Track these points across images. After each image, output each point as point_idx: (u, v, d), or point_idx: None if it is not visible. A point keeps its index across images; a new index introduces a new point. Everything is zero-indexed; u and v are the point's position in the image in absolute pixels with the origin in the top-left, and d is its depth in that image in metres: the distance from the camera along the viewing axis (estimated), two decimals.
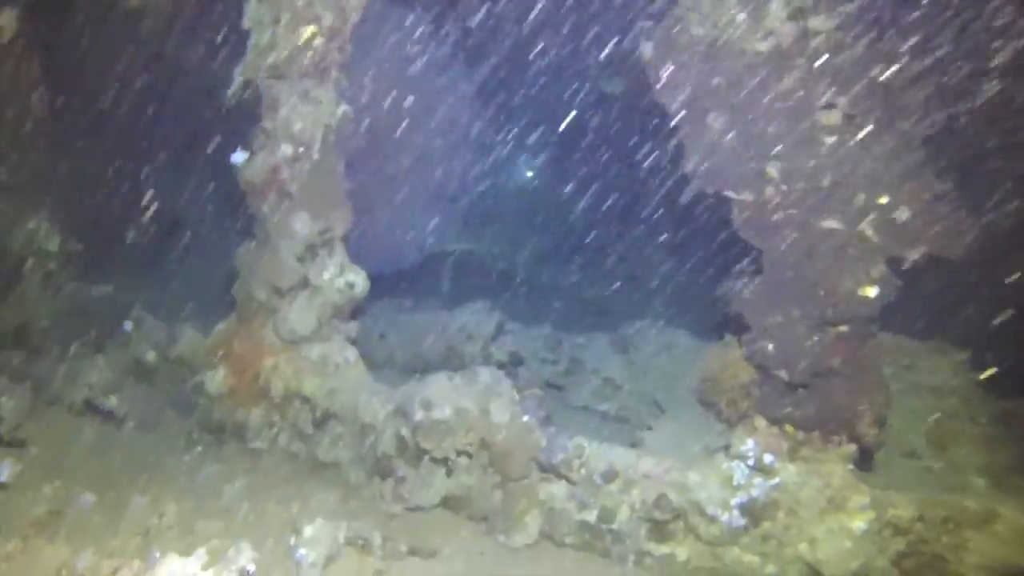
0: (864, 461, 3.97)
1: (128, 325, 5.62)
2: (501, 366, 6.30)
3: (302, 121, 4.61)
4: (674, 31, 3.94)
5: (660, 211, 7.42)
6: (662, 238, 7.57)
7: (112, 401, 5.36)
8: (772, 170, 3.74)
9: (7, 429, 4.87)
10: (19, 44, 6.35)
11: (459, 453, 4.41)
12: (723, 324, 6.88)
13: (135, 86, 6.95)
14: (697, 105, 3.95)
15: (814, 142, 3.66)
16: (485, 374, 4.81)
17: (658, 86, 4.11)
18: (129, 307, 5.71)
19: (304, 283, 4.98)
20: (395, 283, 6.65)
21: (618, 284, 8.03)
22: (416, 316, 6.62)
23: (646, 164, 6.73)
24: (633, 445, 5.11)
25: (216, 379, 5.30)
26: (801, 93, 3.61)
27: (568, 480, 4.41)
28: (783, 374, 3.89)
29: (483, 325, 6.14)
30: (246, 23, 4.79)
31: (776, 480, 3.95)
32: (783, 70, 3.65)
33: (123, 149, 7.48)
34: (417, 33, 4.99)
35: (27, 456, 4.81)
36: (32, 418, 5.18)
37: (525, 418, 4.51)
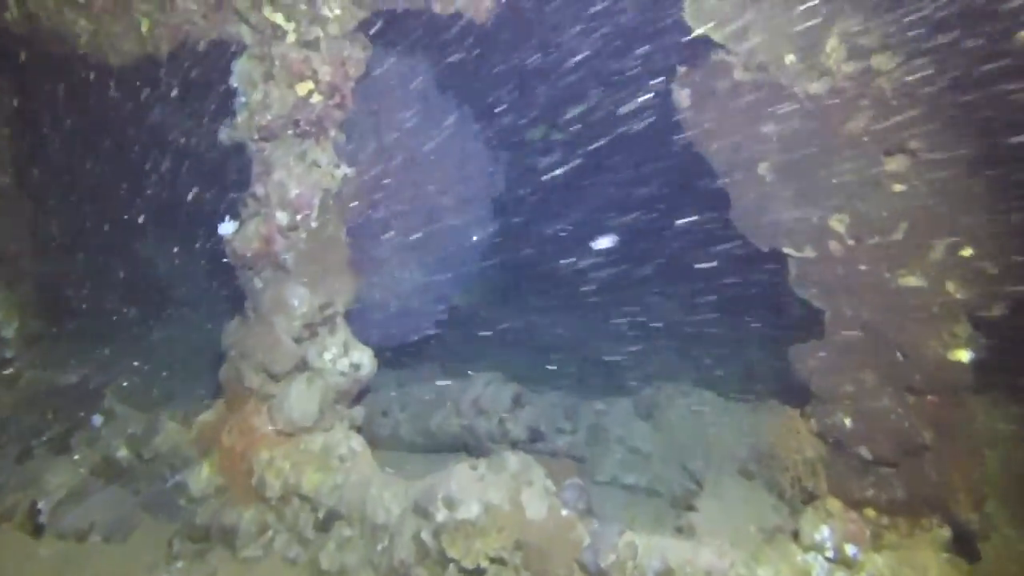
0: (966, 547, 3.46)
1: (97, 419, 4.95)
2: (520, 444, 5.75)
3: (298, 185, 4.13)
4: (714, 75, 3.59)
5: (682, 265, 7.05)
6: (684, 294, 7.16)
7: (43, 510, 4.61)
8: (837, 223, 3.34)
9: None
10: None
11: (491, 560, 3.80)
12: (749, 384, 6.48)
13: (112, 150, 6.48)
14: (744, 154, 3.58)
15: (882, 189, 3.29)
16: (513, 460, 4.25)
17: (696, 134, 3.74)
18: (99, 397, 5.07)
19: (303, 365, 4.42)
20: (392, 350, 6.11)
21: (635, 343, 7.55)
22: (421, 388, 6.03)
23: (663, 215, 6.40)
24: (679, 530, 4.55)
25: (201, 477, 4.65)
26: (866, 138, 3.25)
27: None
28: (864, 451, 3.40)
29: (498, 398, 5.59)
30: (234, 81, 4.36)
31: None
32: (843, 112, 3.30)
33: (98, 217, 6.95)
34: (418, 85, 4.62)
35: None
36: None
37: (564, 512, 3.94)
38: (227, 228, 4.21)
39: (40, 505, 4.84)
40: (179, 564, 4.57)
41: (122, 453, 4.77)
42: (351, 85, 4.18)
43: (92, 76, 5.18)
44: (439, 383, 6.18)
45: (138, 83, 5.19)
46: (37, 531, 4.77)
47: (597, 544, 3.86)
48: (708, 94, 3.65)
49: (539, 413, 6.13)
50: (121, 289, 7.38)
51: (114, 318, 7.06)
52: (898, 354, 3.31)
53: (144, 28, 4.70)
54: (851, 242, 3.31)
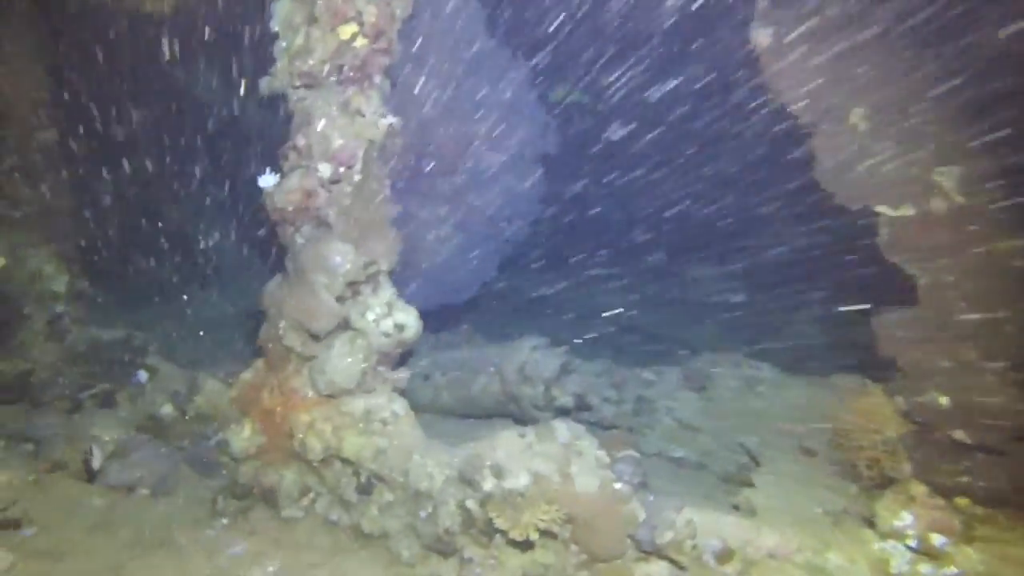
0: None
1: (142, 375, 4.91)
2: (565, 411, 5.54)
3: (342, 136, 3.90)
4: (802, 11, 3.19)
5: (736, 228, 6.66)
6: (735, 260, 6.77)
7: (97, 457, 4.61)
8: (943, 178, 2.95)
9: None
10: (27, 71, 5.77)
11: (540, 533, 3.62)
12: (803, 357, 6.12)
13: (150, 110, 6.36)
14: (833, 101, 3.19)
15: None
16: (562, 429, 4.04)
17: (777, 79, 3.36)
18: (143, 353, 5.02)
19: (344, 325, 4.25)
20: (433, 314, 5.92)
21: (681, 312, 7.23)
22: (464, 353, 5.85)
23: (716, 174, 5.99)
24: (736, 508, 4.29)
25: (242, 436, 4.57)
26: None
27: (674, 562, 3.60)
28: (962, 435, 3.07)
29: (545, 365, 5.36)
30: (274, 26, 4.12)
31: (953, 570, 3.12)
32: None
33: (138, 177, 6.89)
34: (474, 31, 4.29)
35: (20, 541, 4.08)
36: (31, 490, 4.48)
37: (618, 485, 3.72)
38: (267, 181, 4.02)
39: (92, 456, 4.85)
40: (223, 521, 4.54)
41: (166, 410, 4.73)
42: (397, 27, 3.89)
43: (129, 27, 5.02)
44: (477, 348, 5.99)
45: (175, 34, 4.99)
46: (90, 480, 4.80)
47: (653, 520, 3.64)
48: (794, 32, 3.26)
49: (586, 382, 5.91)
50: (160, 250, 7.36)
51: (153, 279, 7.04)
52: (1008, 327, 2.95)
53: None
54: (960, 198, 2.92)
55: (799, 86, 3.30)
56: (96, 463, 4.86)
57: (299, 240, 4.22)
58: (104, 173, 6.56)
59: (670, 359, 6.68)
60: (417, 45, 4.16)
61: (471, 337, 6.35)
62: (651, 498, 3.73)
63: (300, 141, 3.98)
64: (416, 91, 4.22)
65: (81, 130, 6.30)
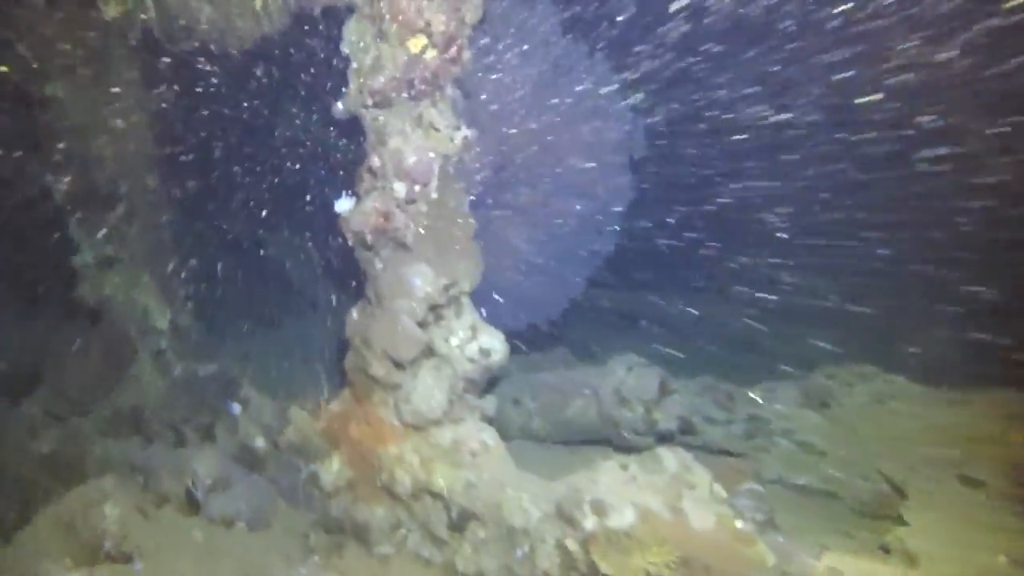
0: None
1: (236, 407, 4.93)
2: (668, 436, 5.07)
3: (415, 152, 3.72)
4: None
5: (842, 233, 5.97)
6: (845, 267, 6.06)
7: (199, 489, 4.64)
8: None
9: (112, 544, 4.23)
10: (135, 120, 6.10)
11: None
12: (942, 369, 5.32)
13: (238, 143, 6.57)
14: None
15: None
16: (670, 458, 3.61)
17: None
18: (237, 385, 5.06)
19: (428, 352, 4.04)
20: (521, 334, 5.63)
21: (789, 323, 6.55)
22: (555, 375, 5.52)
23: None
24: (886, 551, 3.67)
25: (331, 470, 4.45)
26: None
27: None
28: None
29: (643, 386, 4.94)
30: (345, 48, 4.03)
31: None
32: None
33: (228, 214, 7.13)
34: (550, 31, 4.04)
35: (131, 575, 4.14)
36: (141, 523, 4.56)
37: (739, 523, 3.24)
38: (344, 205, 3.91)
39: (195, 489, 4.91)
40: (315, 558, 4.41)
41: (259, 442, 4.70)
42: (468, 32, 3.69)
43: (215, 67, 5.16)
44: (571, 370, 5.64)
45: (257, 67, 5.07)
46: (194, 512, 4.86)
47: (785, 566, 3.13)
48: None
49: (688, 402, 5.41)
50: (257, 283, 7.56)
51: (251, 311, 7.22)
52: None
53: (258, 4, 4.52)
54: None
55: None
56: (199, 496, 4.90)
57: (378, 264, 4.08)
58: (204, 211, 6.82)
59: (780, 375, 6.04)
60: (490, 50, 3.96)
61: (562, 357, 6.01)
62: (781, 539, 3.22)
63: (374, 161, 3.84)
64: (491, 98, 4.01)
65: (180, 172, 6.58)
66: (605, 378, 5.13)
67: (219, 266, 7.10)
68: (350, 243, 4.02)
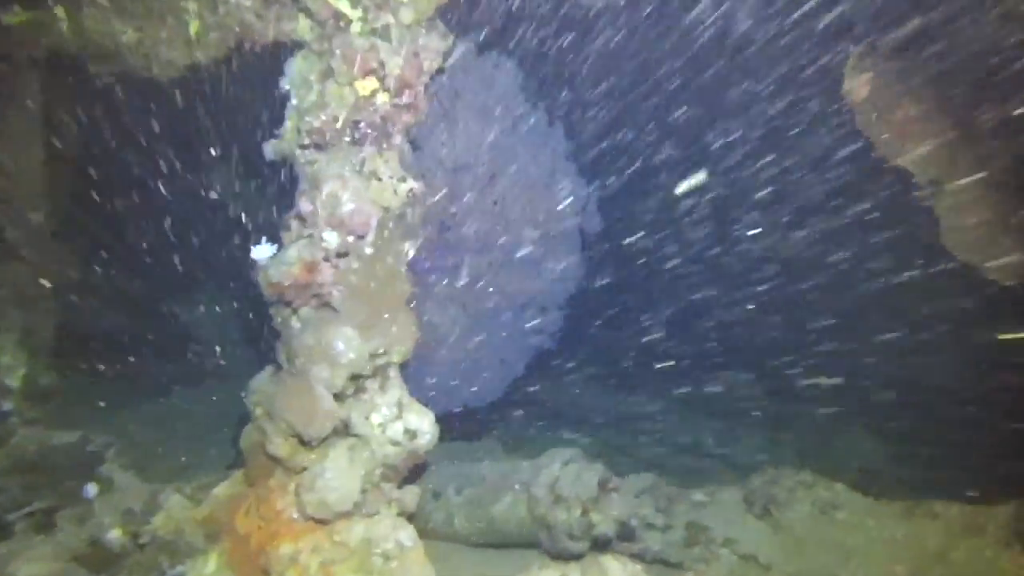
0: None
1: (90, 488, 4.04)
2: (605, 542, 4.57)
3: (353, 200, 3.31)
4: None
5: (779, 329, 5.91)
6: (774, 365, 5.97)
7: None
8: None
9: None
10: (26, 149, 5.41)
11: None
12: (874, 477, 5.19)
13: (152, 189, 5.94)
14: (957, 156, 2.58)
15: None
16: (616, 569, 3.13)
17: (877, 136, 2.78)
18: (98, 461, 4.18)
19: (344, 430, 3.46)
20: (451, 418, 5.08)
21: (727, 421, 6.35)
22: (484, 467, 4.95)
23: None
24: None
25: (205, 572, 3.64)
26: None
27: None
28: None
29: (581, 482, 4.46)
30: (286, 84, 3.67)
31: None
32: None
33: (130, 262, 6.37)
34: (512, 93, 3.83)
35: None
36: None
37: None
38: (262, 252, 3.39)
39: None
40: None
41: (114, 535, 3.81)
42: (425, 80, 3.41)
43: (133, 97, 4.65)
44: (502, 463, 5.09)
45: (181, 100, 4.59)
46: None
47: None
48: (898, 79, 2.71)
49: (627, 503, 4.95)
50: (147, 342, 6.71)
51: (135, 373, 6.32)
52: None
53: (192, 31, 4.12)
54: None
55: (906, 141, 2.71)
56: None
57: (295, 324, 3.53)
58: (96, 256, 6.03)
59: (722, 477, 5.74)
60: (447, 103, 3.70)
61: (493, 450, 5.47)
62: None
63: (304, 207, 3.38)
64: (443, 155, 3.70)
65: (75, 211, 5.84)
66: (539, 472, 4.62)
67: (103, 319, 6.24)
68: (265, 297, 3.47)
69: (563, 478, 4.54)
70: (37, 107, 5.33)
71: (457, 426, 5.25)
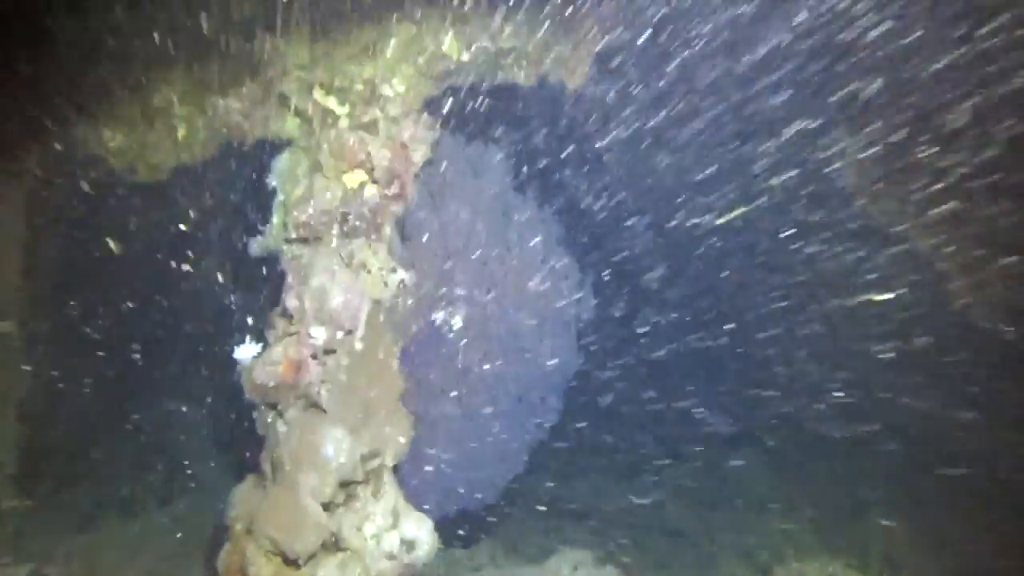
0: None
1: None
2: None
3: (342, 293, 3.18)
4: None
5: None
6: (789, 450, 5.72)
7: None
8: None
9: None
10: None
11: None
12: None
13: (131, 285, 5.79)
14: None
15: None
16: None
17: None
18: None
19: (334, 544, 3.14)
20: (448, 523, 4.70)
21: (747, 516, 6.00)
22: (484, 574, 4.54)
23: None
24: None
25: None
26: None
27: None
28: None
29: None
30: (272, 181, 3.63)
31: None
32: None
33: (108, 369, 6.11)
34: (500, 181, 3.82)
35: None
36: None
37: None
38: (245, 353, 3.21)
39: None
40: None
41: None
42: (413, 171, 3.38)
43: (114, 200, 4.60)
44: (505, 569, 4.69)
45: (165, 202, 4.55)
46: None
47: None
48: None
49: None
50: (126, 456, 6.32)
51: (112, 491, 5.91)
52: None
53: (181, 134, 4.13)
54: None
55: None
56: None
57: (281, 428, 3.29)
58: (68, 368, 5.76)
59: (741, 567, 5.32)
60: (435, 192, 3.66)
61: (494, 553, 5.05)
62: None
63: (291, 302, 3.24)
64: (433, 244, 3.62)
65: (49, 321, 5.64)
66: None
67: (71, 431, 5.88)
68: (247, 399, 3.25)
69: None
70: (18, 210, 5.26)
71: (453, 531, 4.87)
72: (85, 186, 4.49)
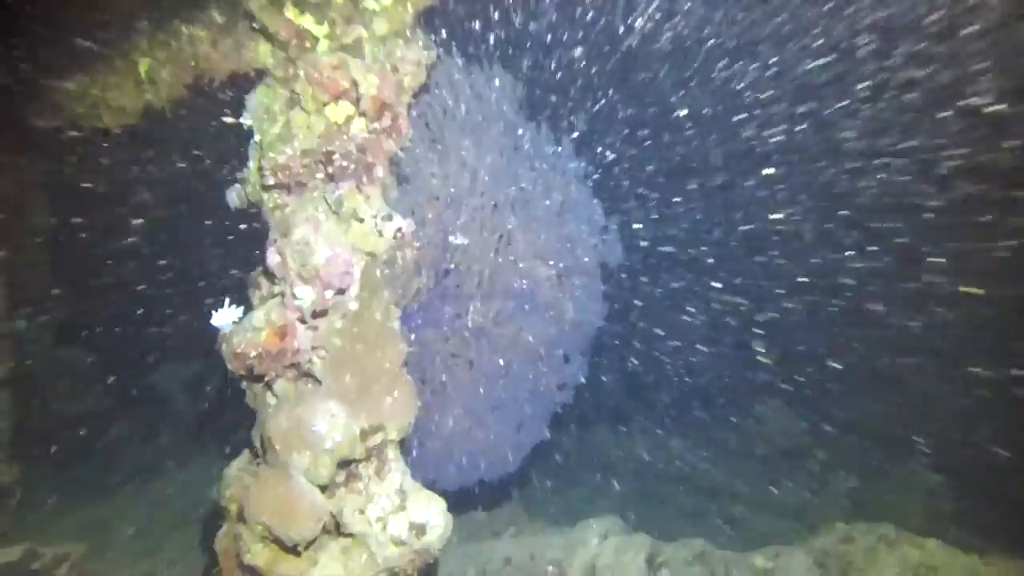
0: None
1: None
2: None
3: (329, 247, 2.73)
4: None
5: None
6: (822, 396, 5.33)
7: None
8: None
9: None
10: None
11: None
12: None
13: (122, 254, 5.43)
14: None
15: None
16: None
17: None
18: None
19: (335, 529, 2.81)
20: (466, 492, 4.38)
21: (781, 469, 5.65)
22: (508, 545, 4.25)
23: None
24: None
25: None
26: None
27: None
28: None
29: (625, 562, 3.76)
30: (247, 119, 3.14)
31: None
32: None
33: (105, 339, 5.82)
34: (509, 109, 3.29)
35: None
36: None
37: None
38: (223, 318, 2.80)
39: None
40: None
41: None
42: (406, 100, 2.88)
43: (85, 150, 4.16)
44: (528, 538, 4.39)
45: (134, 150, 4.09)
46: None
47: None
48: None
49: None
50: (130, 426, 6.10)
51: (108, 459, 5.70)
52: None
53: (143, 70, 3.63)
54: None
55: None
56: None
57: (270, 401, 2.92)
58: (61, 332, 5.47)
59: (783, 534, 5.00)
60: (435, 125, 3.16)
61: (518, 517, 4.76)
62: None
63: (272, 259, 2.81)
64: (435, 186, 3.13)
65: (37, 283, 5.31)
66: (574, 550, 3.92)
67: (70, 400, 5.64)
68: (230, 371, 2.86)
69: (603, 556, 3.84)
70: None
71: (472, 494, 4.57)
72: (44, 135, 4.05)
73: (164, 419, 6.15)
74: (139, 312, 5.51)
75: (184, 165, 4.02)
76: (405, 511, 2.77)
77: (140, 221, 5.06)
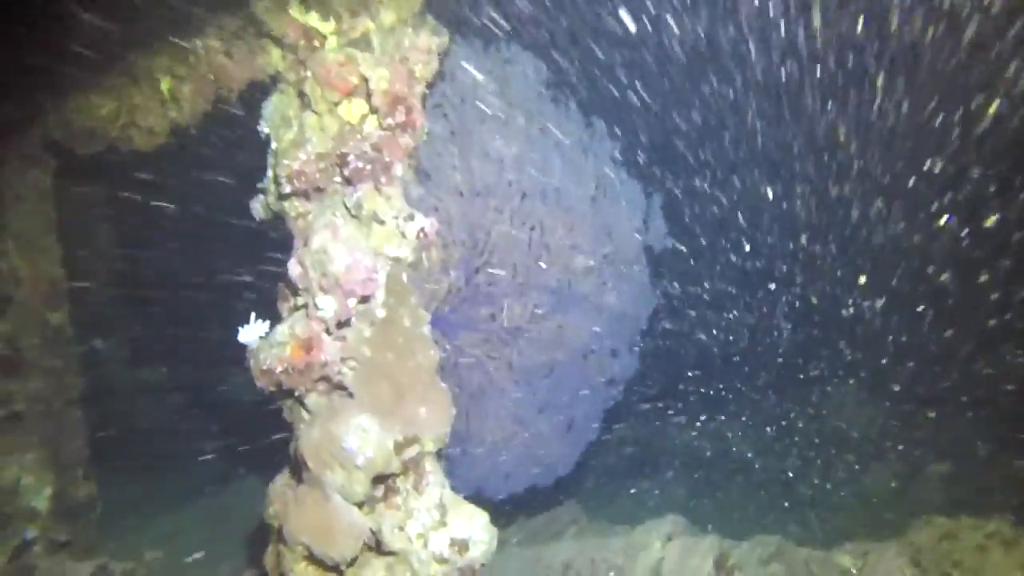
0: None
1: None
2: None
3: (348, 252, 2.60)
4: None
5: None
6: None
7: None
8: None
9: None
10: (40, 246, 5.10)
11: None
12: None
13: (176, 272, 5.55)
14: None
15: None
16: None
17: None
18: None
19: (376, 547, 2.69)
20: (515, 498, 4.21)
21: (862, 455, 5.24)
22: (566, 549, 4.05)
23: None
24: None
25: None
26: None
27: None
28: None
29: (692, 567, 3.50)
30: (264, 128, 3.05)
31: None
32: None
33: (172, 353, 5.97)
34: (533, 92, 3.07)
35: None
36: None
37: None
38: (250, 334, 2.72)
39: None
40: None
41: None
42: (420, 90, 2.71)
43: (120, 173, 4.22)
44: (588, 540, 4.17)
45: (173, 165, 4.11)
46: None
47: None
48: None
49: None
50: (201, 442, 6.24)
51: (188, 473, 5.83)
52: None
53: (164, 87, 3.62)
54: None
55: None
56: None
57: (304, 416, 2.83)
58: (123, 353, 5.65)
59: (868, 527, 4.60)
60: (453, 115, 2.97)
61: (576, 518, 4.56)
62: None
63: (294, 270, 2.71)
64: (457, 180, 2.96)
65: (98, 306, 5.48)
66: (636, 554, 3.69)
67: (146, 413, 5.82)
68: (259, 387, 2.79)
69: (667, 560, 3.60)
70: (44, 201, 5.01)
71: (534, 498, 4.40)
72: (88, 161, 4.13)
73: (236, 427, 6.25)
74: (207, 323, 5.62)
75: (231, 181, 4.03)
76: (446, 526, 2.62)
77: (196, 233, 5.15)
